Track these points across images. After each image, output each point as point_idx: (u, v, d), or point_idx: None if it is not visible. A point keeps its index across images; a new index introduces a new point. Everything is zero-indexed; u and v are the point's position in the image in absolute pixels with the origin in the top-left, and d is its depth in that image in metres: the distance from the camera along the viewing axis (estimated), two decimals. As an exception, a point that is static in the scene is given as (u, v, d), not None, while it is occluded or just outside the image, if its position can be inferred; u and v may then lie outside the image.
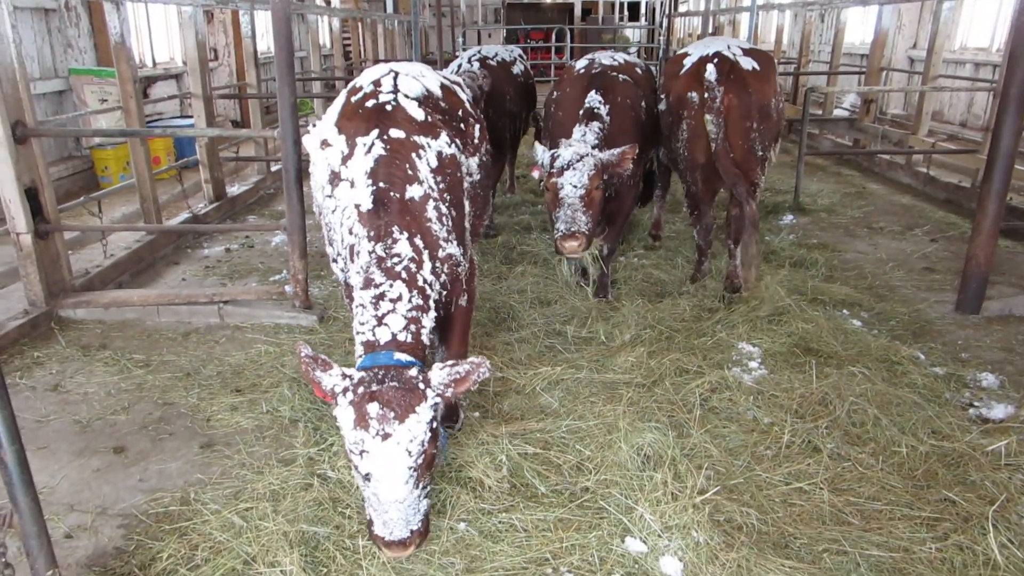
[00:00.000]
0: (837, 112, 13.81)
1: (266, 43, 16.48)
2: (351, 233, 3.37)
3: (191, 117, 10.13)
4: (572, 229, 5.00)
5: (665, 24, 19.50)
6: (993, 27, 13.15)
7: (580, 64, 6.32)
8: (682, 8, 26.86)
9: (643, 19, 26.35)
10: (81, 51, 10.40)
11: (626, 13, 28.20)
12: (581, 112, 5.54)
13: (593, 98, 5.62)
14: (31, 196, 5.46)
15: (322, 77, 14.42)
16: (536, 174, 5.40)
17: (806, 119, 9.22)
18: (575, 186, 5.02)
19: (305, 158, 5.03)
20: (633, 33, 27.69)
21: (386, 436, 2.75)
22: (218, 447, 4.10)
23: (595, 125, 5.44)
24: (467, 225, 3.84)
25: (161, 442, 4.17)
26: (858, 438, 4.08)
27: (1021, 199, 8.68)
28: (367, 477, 2.82)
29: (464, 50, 10.74)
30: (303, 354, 2.92)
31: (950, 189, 9.41)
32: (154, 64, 12.89)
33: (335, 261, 3.69)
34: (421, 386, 2.87)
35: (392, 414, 2.76)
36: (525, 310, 5.79)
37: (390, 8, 15.76)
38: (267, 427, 4.25)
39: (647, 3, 25.45)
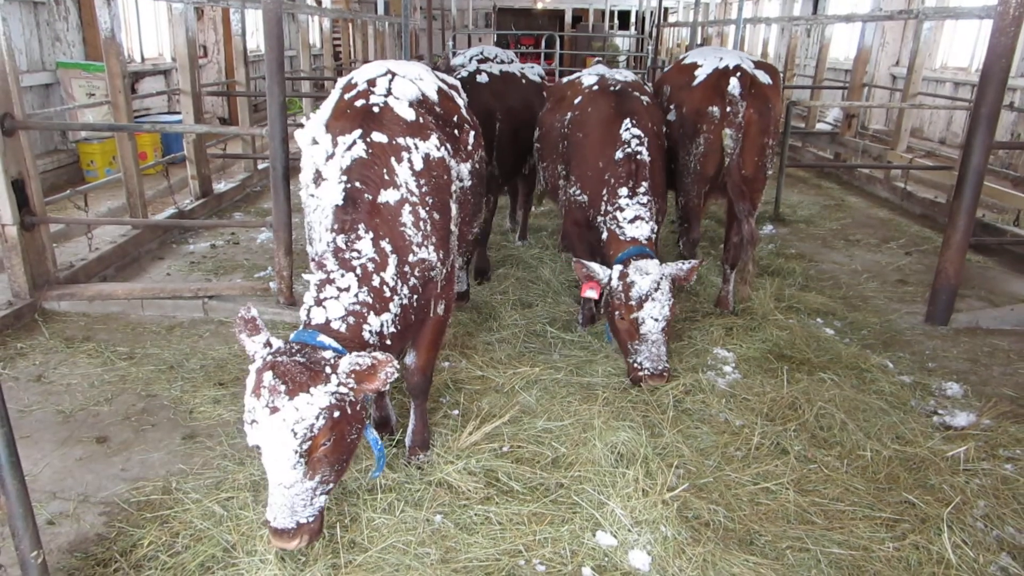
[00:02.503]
0: (820, 126, 14.04)
1: (256, 41, 16.52)
2: (327, 231, 3.40)
3: (179, 113, 10.16)
4: (660, 368, 4.56)
5: (654, 34, 19.73)
6: (973, 48, 13.45)
7: (589, 80, 5.73)
8: (671, 19, 27.15)
9: (633, 28, 26.60)
10: (69, 45, 10.41)
11: (616, 22, 28.45)
12: (621, 155, 4.97)
13: (631, 132, 5.05)
14: (18, 188, 5.50)
15: (311, 77, 14.48)
16: (592, 293, 4.74)
17: (788, 132, 9.39)
18: (657, 319, 4.53)
19: (295, 155, 5.11)
20: (623, 42, 27.94)
21: (274, 410, 2.71)
22: (200, 438, 4.16)
23: (644, 187, 4.89)
24: (453, 229, 3.85)
25: (144, 433, 4.23)
26: (825, 441, 4.21)
27: (993, 216, 8.89)
28: (259, 451, 2.83)
29: (454, 53, 10.82)
30: (243, 315, 2.94)
31: (926, 204, 9.63)
32: (142, 60, 12.89)
33: (314, 260, 3.73)
34: (327, 370, 2.81)
35: (283, 388, 2.71)
36: (507, 311, 5.88)
37: (381, 10, 15.84)
38: (249, 420, 4.31)
39: (637, 12, 25.68)
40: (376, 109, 3.65)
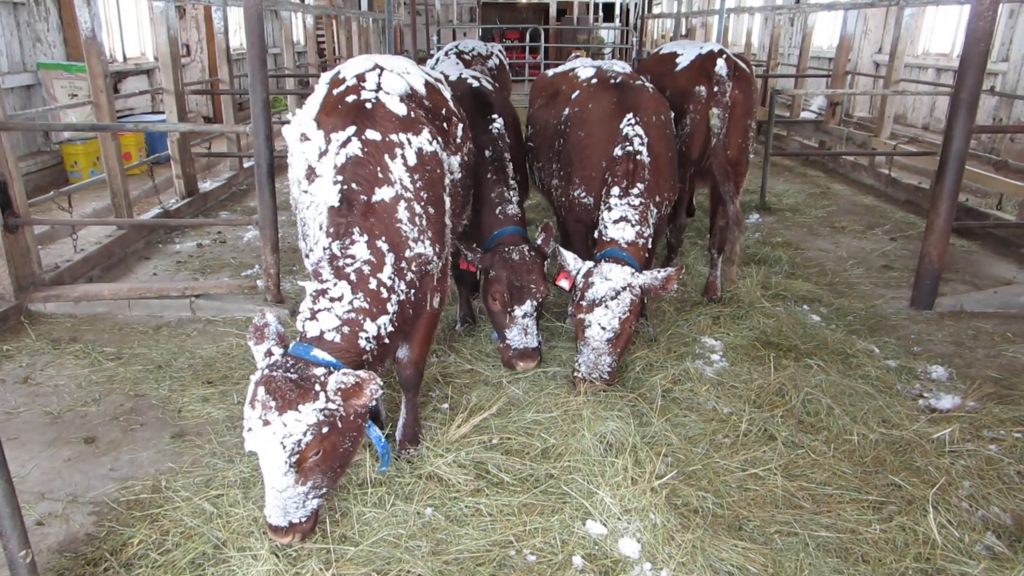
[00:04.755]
0: (804, 114, 14.10)
1: (239, 39, 16.42)
2: (321, 229, 3.42)
3: (162, 113, 10.10)
4: (593, 376, 4.44)
5: (639, 25, 19.75)
6: (954, 34, 13.52)
7: (586, 73, 5.44)
8: (656, 10, 27.17)
9: (617, 20, 26.60)
10: (50, 45, 10.33)
11: (601, 14, 28.44)
12: (620, 152, 4.74)
13: (634, 129, 4.79)
14: (0, 190, 5.46)
15: (295, 74, 14.42)
16: (565, 283, 4.64)
17: (772, 120, 9.43)
18: (604, 328, 4.35)
19: (280, 152, 5.08)
20: (607, 34, 27.94)
21: (265, 423, 2.83)
22: (189, 437, 4.15)
23: (638, 188, 4.64)
24: (447, 222, 3.85)
25: (132, 432, 4.22)
26: (812, 427, 4.25)
27: (976, 200, 8.96)
28: (254, 454, 2.96)
29: (439, 48, 10.81)
30: (255, 322, 3.07)
31: (910, 190, 9.69)
32: (125, 59, 12.81)
33: (307, 256, 3.73)
34: (316, 387, 2.90)
35: (273, 403, 2.83)
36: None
37: (364, 5, 15.77)
38: (238, 417, 4.29)
39: (621, 4, 25.68)
40: (369, 105, 3.63)
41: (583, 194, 5.01)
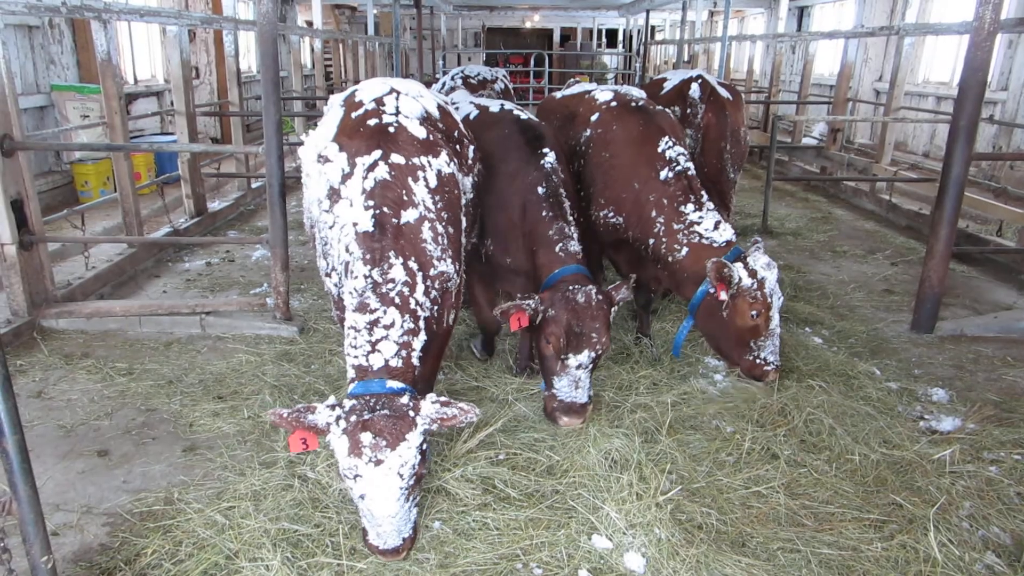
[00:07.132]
0: (806, 140, 14.26)
1: (248, 62, 16.67)
2: (347, 251, 3.50)
3: (172, 134, 10.27)
4: (779, 359, 4.62)
5: (642, 52, 20.02)
6: (954, 62, 13.72)
7: (604, 96, 5.45)
8: (658, 36, 27.50)
9: (620, 46, 26.94)
10: (64, 67, 10.52)
11: (604, 40, 28.79)
12: (671, 174, 4.83)
13: (674, 150, 4.94)
14: (16, 208, 5.56)
15: (303, 97, 14.63)
16: (725, 295, 4.43)
17: (774, 146, 9.56)
18: (777, 312, 4.52)
19: (291, 173, 5.18)
20: (611, 60, 28.27)
21: (379, 462, 2.93)
22: (201, 451, 4.22)
23: (705, 196, 4.86)
24: (463, 241, 3.96)
25: (144, 446, 4.28)
26: (814, 446, 4.30)
27: (978, 227, 9.06)
28: (362, 497, 3.03)
29: (445, 72, 11.00)
30: (284, 416, 3.00)
31: (911, 216, 9.80)
32: (136, 81, 13.00)
33: (328, 276, 3.78)
34: (411, 414, 3.03)
35: (384, 442, 2.93)
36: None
37: (371, 30, 16.01)
38: (249, 432, 4.37)
39: (624, 31, 26.01)
40: (392, 129, 3.73)
41: (611, 214, 5.07)
